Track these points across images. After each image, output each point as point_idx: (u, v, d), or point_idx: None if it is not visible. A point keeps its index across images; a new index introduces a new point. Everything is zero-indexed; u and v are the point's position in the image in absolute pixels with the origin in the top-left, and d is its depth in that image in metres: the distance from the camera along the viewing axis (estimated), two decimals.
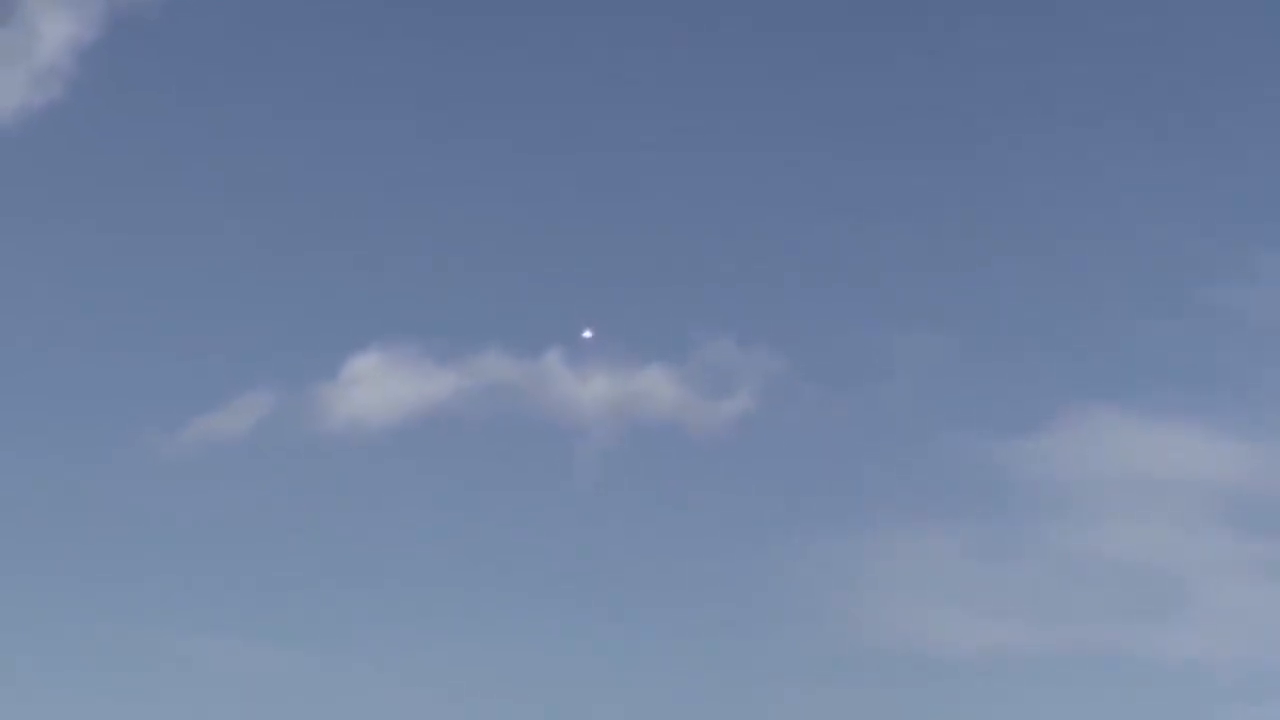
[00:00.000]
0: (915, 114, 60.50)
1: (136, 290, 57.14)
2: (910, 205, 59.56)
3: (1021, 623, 52.36)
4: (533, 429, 55.70)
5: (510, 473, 55.32)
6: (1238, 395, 55.55)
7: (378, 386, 55.82)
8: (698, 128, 60.51)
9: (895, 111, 60.66)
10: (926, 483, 54.81)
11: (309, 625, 52.03)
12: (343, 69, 59.79)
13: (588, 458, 55.29)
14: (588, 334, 56.34)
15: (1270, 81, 59.79)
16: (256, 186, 58.93)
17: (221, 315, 57.17)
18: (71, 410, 55.35)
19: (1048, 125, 60.43)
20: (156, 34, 57.63)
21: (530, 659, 51.53)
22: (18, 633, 50.55)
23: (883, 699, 50.49)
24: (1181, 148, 59.97)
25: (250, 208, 58.72)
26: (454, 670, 51.24)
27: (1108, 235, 58.94)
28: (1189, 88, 60.31)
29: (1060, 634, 52.00)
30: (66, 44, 55.87)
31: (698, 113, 60.63)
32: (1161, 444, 55.40)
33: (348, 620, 52.18)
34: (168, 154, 58.69)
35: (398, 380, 55.98)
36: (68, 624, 51.05)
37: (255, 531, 53.72)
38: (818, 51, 60.91)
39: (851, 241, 59.00)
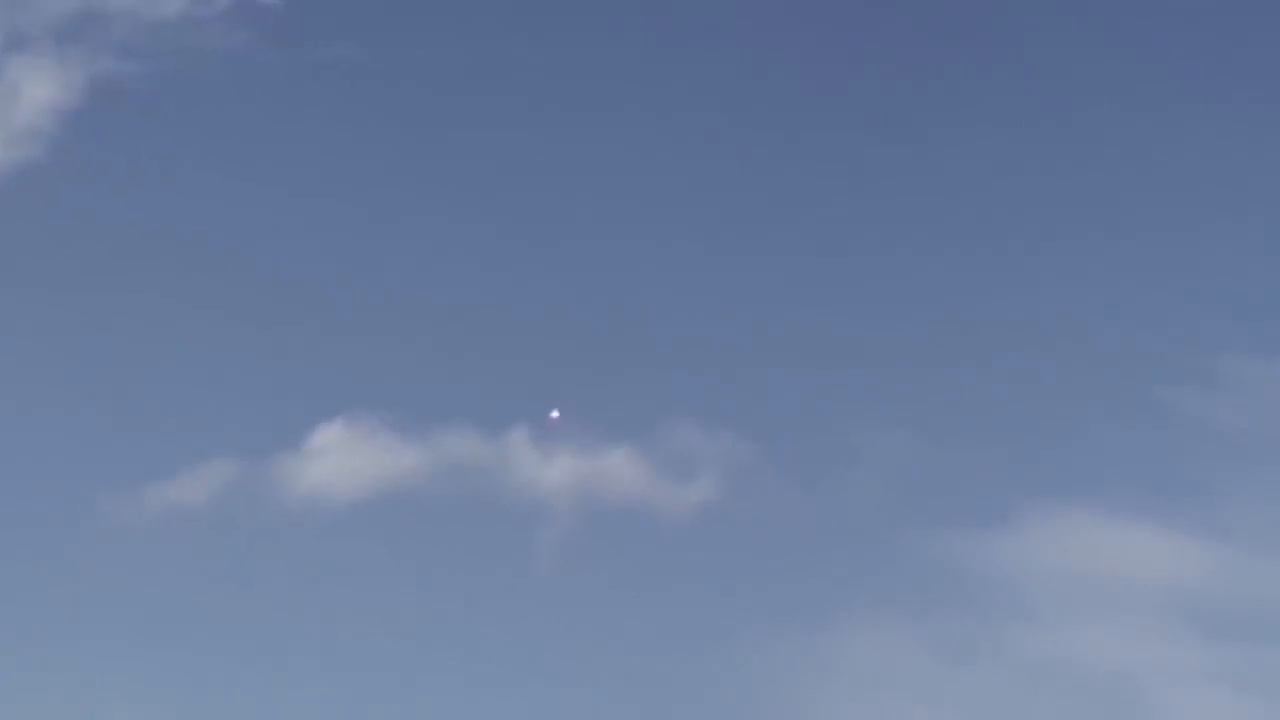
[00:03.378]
0: (885, 210, 61.24)
1: (100, 354, 56.94)
2: (880, 300, 60.08)
3: None
4: (496, 508, 55.48)
5: (472, 552, 55.02)
6: (1198, 497, 55.86)
7: (341, 459, 55.50)
8: (670, 214, 60.91)
9: (865, 207, 61.39)
10: (890, 577, 54.77)
11: (262, 702, 51.36)
12: (317, 145, 60.15)
13: (550, 539, 55.10)
14: (555, 414, 56.25)
15: (1232, 185, 60.89)
16: (228, 257, 58.98)
17: (185, 382, 56.85)
18: (25, 474, 54.84)
19: (1013, 225, 61.20)
20: (136, 103, 57.84)
21: None
22: None
23: None
24: (1147, 252, 60.73)
25: (221, 278, 58.64)
26: None
27: (1073, 336, 59.45)
28: (1151, 191, 61.33)
29: None
30: (48, 106, 56.00)
31: (671, 198, 61.05)
32: (1123, 544, 55.61)
33: (302, 697, 51.60)
34: (140, 221, 58.67)
35: (362, 453, 55.67)
36: (13, 694, 50.19)
37: (211, 603, 53.04)
38: (790, 142, 61.54)
39: (820, 333, 59.30)
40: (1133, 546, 55.41)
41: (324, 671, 52.31)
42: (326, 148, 59.92)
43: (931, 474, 56.89)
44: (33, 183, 56.05)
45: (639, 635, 53.70)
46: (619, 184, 60.72)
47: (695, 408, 56.82)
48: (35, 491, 54.34)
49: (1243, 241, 60.14)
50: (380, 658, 52.67)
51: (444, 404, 56.37)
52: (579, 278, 59.89)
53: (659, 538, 55.44)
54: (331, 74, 60.29)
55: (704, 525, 55.51)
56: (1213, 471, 56.03)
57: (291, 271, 59.01)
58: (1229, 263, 59.87)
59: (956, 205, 61.00)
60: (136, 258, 58.22)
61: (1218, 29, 62.37)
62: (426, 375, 57.28)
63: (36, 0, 55.12)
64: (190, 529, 53.57)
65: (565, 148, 60.54)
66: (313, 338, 57.62)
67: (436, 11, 61.98)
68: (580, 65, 61.80)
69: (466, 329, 58.67)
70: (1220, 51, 62.05)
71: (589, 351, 58.57)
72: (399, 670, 52.56)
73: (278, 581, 53.67)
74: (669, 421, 56.62)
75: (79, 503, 53.76)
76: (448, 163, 60.24)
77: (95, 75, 56.03)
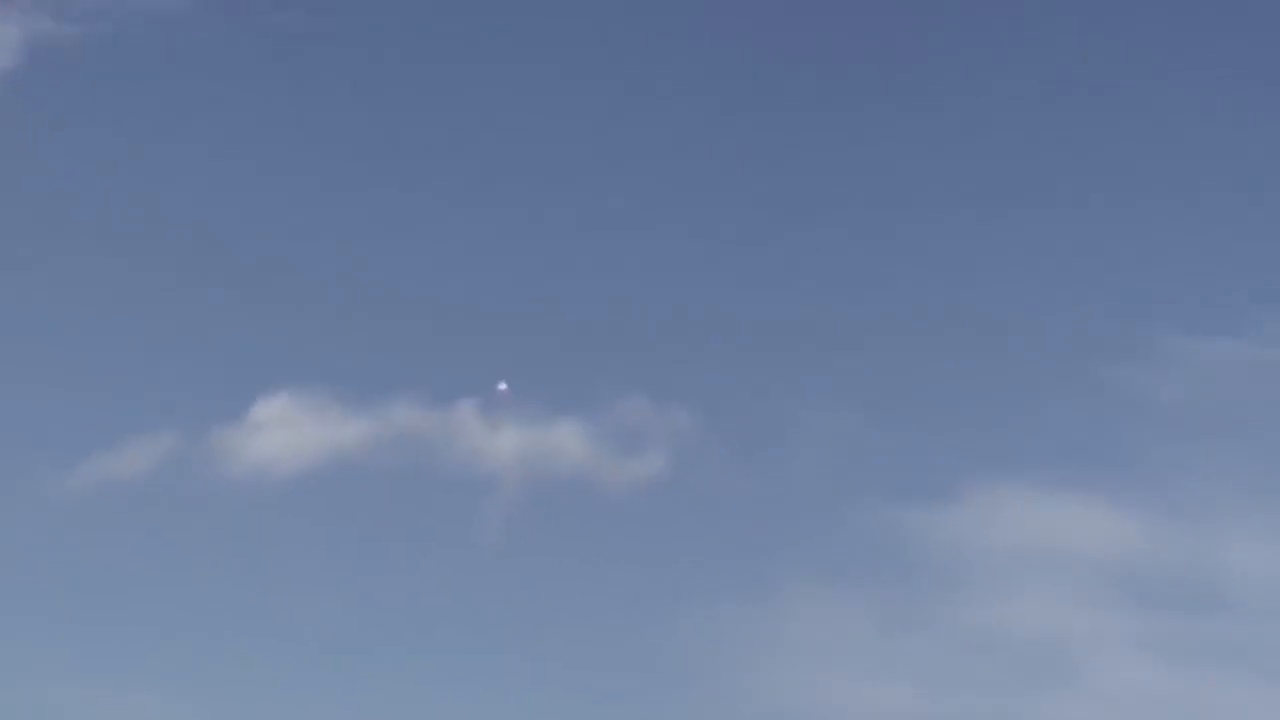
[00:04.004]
0: (828, 187, 61.59)
1: (37, 324, 56.06)
2: (825, 278, 60.50)
3: (921, 691, 52.84)
4: (441, 480, 55.37)
5: (416, 524, 54.93)
6: (1135, 471, 56.82)
7: (284, 432, 55.07)
8: (619, 187, 60.94)
9: (808, 184, 61.59)
10: (832, 550, 55.33)
11: (201, 674, 51.01)
12: (261, 113, 59.80)
13: (495, 511, 54.95)
14: (502, 386, 56.12)
15: (1173, 166, 61.89)
16: (168, 223, 58.42)
17: (124, 352, 56.44)
18: None
19: (956, 203, 61.76)
20: (73, 64, 56.81)
21: (426, 713, 50.99)
22: None
23: None
24: (1088, 230, 61.58)
25: (162, 244, 58.13)
26: None
27: (1015, 314, 60.24)
28: (1094, 172, 62.17)
29: (954, 704, 52.49)
30: None
31: (620, 173, 61.14)
32: (1061, 517, 56.54)
33: (243, 670, 51.37)
34: (78, 187, 57.95)
35: (305, 426, 55.31)
36: None
37: (148, 577, 52.74)
38: (735, 122, 61.71)
39: (767, 311, 59.67)
40: (1070, 519, 56.40)
41: (267, 643, 52.11)
42: (271, 115, 59.66)
43: (875, 449, 57.56)
44: None
45: (585, 607, 54.01)
46: (568, 159, 60.92)
47: (642, 382, 57.12)
48: None
49: (1183, 222, 61.38)
50: (325, 629, 52.57)
51: (390, 376, 56.34)
52: (527, 252, 60.03)
53: (605, 510, 55.73)
54: (275, 41, 59.76)
55: (650, 498, 55.86)
56: (1150, 446, 57.10)
57: (234, 241, 58.62)
58: (1169, 243, 61.10)
59: (901, 185, 61.74)
60: (73, 225, 57.65)
61: (1166, 14, 63.37)
62: (372, 347, 57.29)
63: None
64: (129, 502, 53.29)
65: (514, 118, 60.56)
66: (256, 309, 57.36)
67: None
68: (528, 29, 61.65)
69: (413, 301, 58.58)
70: (1167, 36, 63.14)
71: (536, 325, 58.78)
72: (344, 641, 52.50)
73: (220, 553, 53.47)
74: (615, 395, 56.89)
75: (15, 475, 53.41)
76: (395, 133, 60.10)
77: (32, 36, 55.09)
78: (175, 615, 52.06)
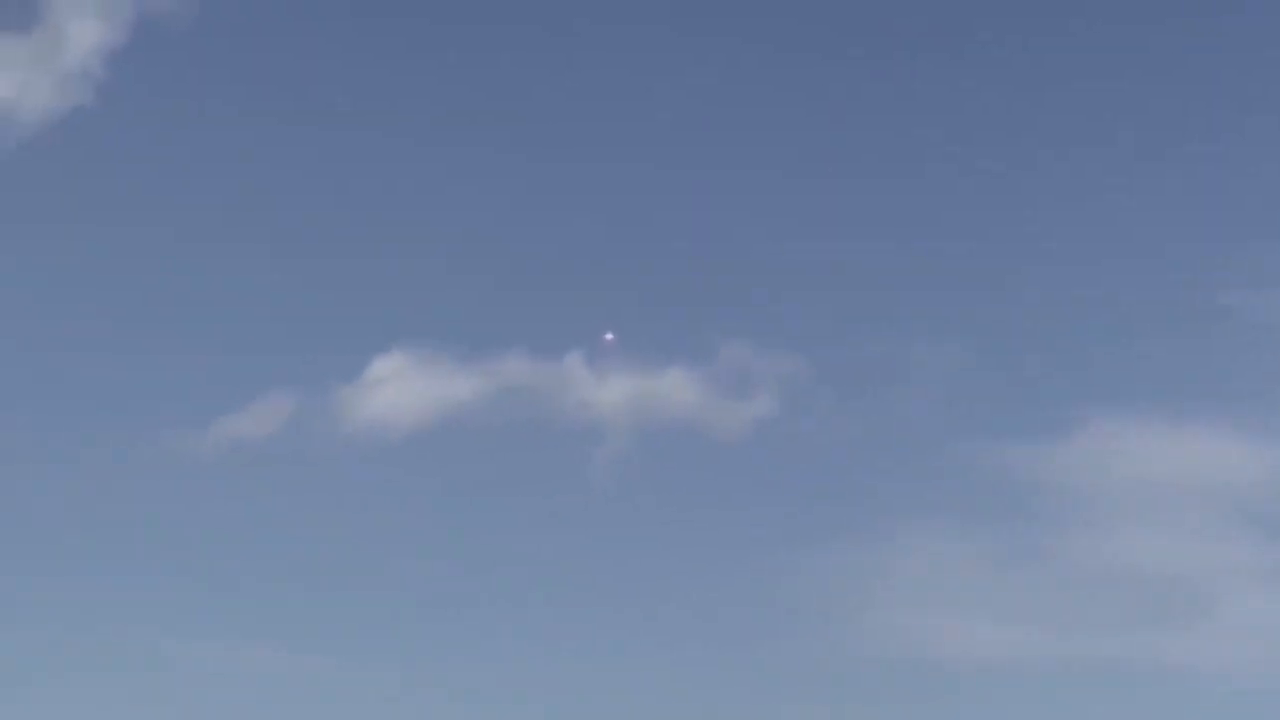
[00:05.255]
0: (933, 126, 60.84)
1: (161, 292, 57.63)
2: (931, 215, 59.86)
3: (1039, 631, 52.32)
4: (552, 431, 56.01)
5: (529, 475, 55.61)
6: (1256, 399, 55.46)
7: (399, 388, 56.15)
8: (721, 138, 60.92)
9: (914, 124, 60.98)
10: (944, 489, 54.93)
11: (327, 628, 52.49)
12: (370, 78, 60.25)
13: (607, 460, 55.56)
14: (609, 336, 56.61)
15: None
16: (282, 190, 59.55)
17: (245, 318, 57.68)
18: (95, 410, 55.91)
19: (1063, 136, 60.68)
20: (183, 40, 58.10)
21: (545, 662, 51.92)
22: (37, 634, 51.00)
23: (898, 707, 50.63)
24: (1197, 153, 60.00)
25: (276, 211, 59.33)
26: (470, 673, 51.68)
27: (1124, 242, 59.20)
28: (1202, 97, 60.29)
29: (1079, 642, 51.93)
30: (94, 49, 56.38)
31: (721, 123, 60.94)
32: (1180, 450, 55.30)
33: (365, 623, 52.70)
34: (193, 158, 59.25)
35: (419, 382, 56.28)
36: (89, 626, 51.60)
37: (275, 533, 54.15)
38: (835, 67, 61.09)
39: (872, 250, 59.30)
40: (1193, 450, 55.13)
41: (387, 596, 53.31)
42: (375, 79, 60.20)
43: (986, 386, 56.94)
44: (84, 125, 56.76)
45: (698, 552, 54.36)
46: (668, 110, 60.76)
47: (748, 326, 57.22)
48: (103, 429, 55.49)
49: None
50: (443, 580, 53.60)
51: (499, 331, 57.03)
52: (630, 203, 60.15)
53: (715, 456, 55.94)
54: (372, 10, 60.56)
55: (759, 442, 55.94)
56: (1270, 372, 55.57)
57: (342, 204, 59.61)
58: None
59: (1004, 117, 60.62)
60: (191, 195, 59.04)
61: None
62: (481, 303, 57.89)
63: None
64: (254, 460, 54.66)
65: (616, 74, 60.74)
66: (369, 271, 58.29)
67: None
68: None
69: (518, 256, 59.18)
70: None
71: (641, 274, 58.97)
72: (461, 591, 53.51)
73: (341, 509, 54.62)
74: (721, 340, 57.02)
75: (151, 438, 54.96)
76: (500, 93, 60.37)
77: (140, 15, 56.47)
78: (298, 570, 53.52)
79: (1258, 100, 59.62)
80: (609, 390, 56.13)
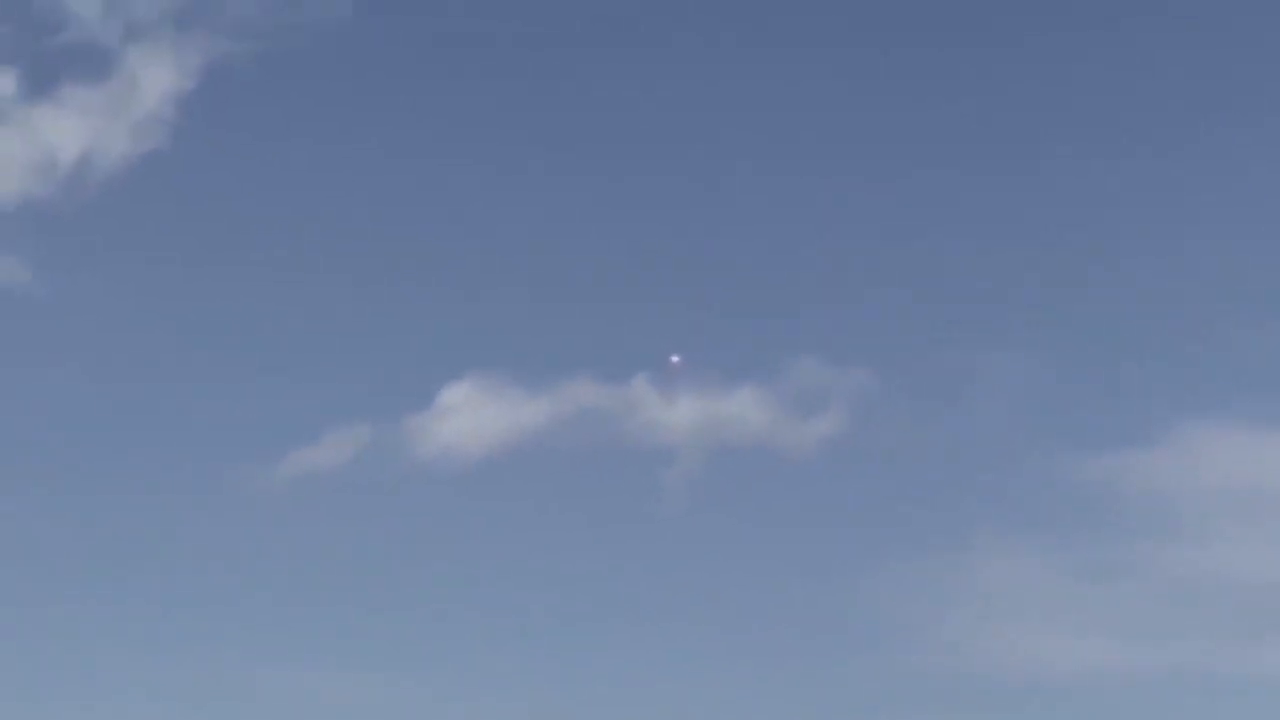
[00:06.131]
0: (1002, 135, 59.97)
1: (236, 327, 58.42)
2: (1000, 224, 59.16)
3: (1126, 643, 51.07)
4: (622, 454, 55.85)
5: (600, 499, 55.57)
6: None
7: (470, 416, 56.39)
8: (779, 152, 60.54)
9: (982, 133, 60.18)
10: (1022, 501, 53.96)
11: (404, 654, 52.53)
12: (437, 112, 60.92)
13: (677, 481, 55.23)
14: (675, 358, 56.41)
15: None
16: (351, 226, 60.21)
17: (317, 350, 58.20)
18: (172, 444, 56.67)
19: (1136, 143, 59.52)
20: (251, 81, 59.27)
21: (620, 684, 51.62)
22: (120, 664, 51.81)
23: None
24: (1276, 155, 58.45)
25: (345, 246, 59.99)
26: (551, 698, 51.39)
27: (1202, 245, 57.83)
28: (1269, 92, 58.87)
29: (1167, 654, 50.61)
30: (166, 94, 57.73)
31: (784, 139, 60.73)
32: (1267, 456, 53.74)
33: (441, 649, 52.72)
34: (265, 196, 60.22)
35: (489, 409, 56.48)
36: (167, 655, 52.07)
37: (351, 563, 54.37)
38: (901, 74, 60.70)
39: (939, 261, 58.65)
40: (1277, 458, 53.50)
41: (464, 621, 53.32)
42: (436, 111, 60.86)
43: (1063, 395, 55.95)
44: (159, 168, 57.95)
45: (772, 570, 53.81)
46: (728, 128, 60.72)
47: (814, 342, 56.70)
48: (178, 464, 56.26)
49: None
50: (517, 604, 53.57)
51: (566, 356, 57.07)
52: (689, 222, 60.10)
53: (786, 474, 55.43)
54: (436, 42, 61.23)
55: (830, 459, 55.36)
56: None
57: (408, 236, 60.16)
58: None
59: (1080, 123, 59.71)
60: (262, 233, 59.90)
61: None
62: (548, 329, 58.03)
63: None
64: (330, 490, 55.04)
65: (665, 95, 60.75)
66: (435, 300, 58.69)
67: None
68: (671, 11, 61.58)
69: (583, 281, 59.28)
70: None
71: (705, 294, 58.82)
72: (536, 615, 53.43)
73: (414, 536, 54.86)
74: (789, 358, 56.52)
75: (227, 470, 55.57)
76: (557, 119, 60.69)
77: (209, 59, 57.70)
78: (374, 598, 53.63)
79: None
80: (677, 412, 55.98)
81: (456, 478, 55.68)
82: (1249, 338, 55.68)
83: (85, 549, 53.96)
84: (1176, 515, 53.55)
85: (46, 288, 57.30)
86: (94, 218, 57.91)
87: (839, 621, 52.08)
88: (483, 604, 53.60)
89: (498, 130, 60.70)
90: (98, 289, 58.44)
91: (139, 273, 58.62)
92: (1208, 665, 50.21)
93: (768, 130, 60.44)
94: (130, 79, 57.57)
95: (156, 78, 57.37)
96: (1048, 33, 60.35)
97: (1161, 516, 53.43)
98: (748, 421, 55.60)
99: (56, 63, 57.38)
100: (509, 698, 51.18)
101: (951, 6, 61.34)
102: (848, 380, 55.95)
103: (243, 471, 55.42)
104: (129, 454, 56.53)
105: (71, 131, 56.91)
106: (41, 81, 57.22)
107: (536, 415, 56.13)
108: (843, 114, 60.30)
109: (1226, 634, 50.85)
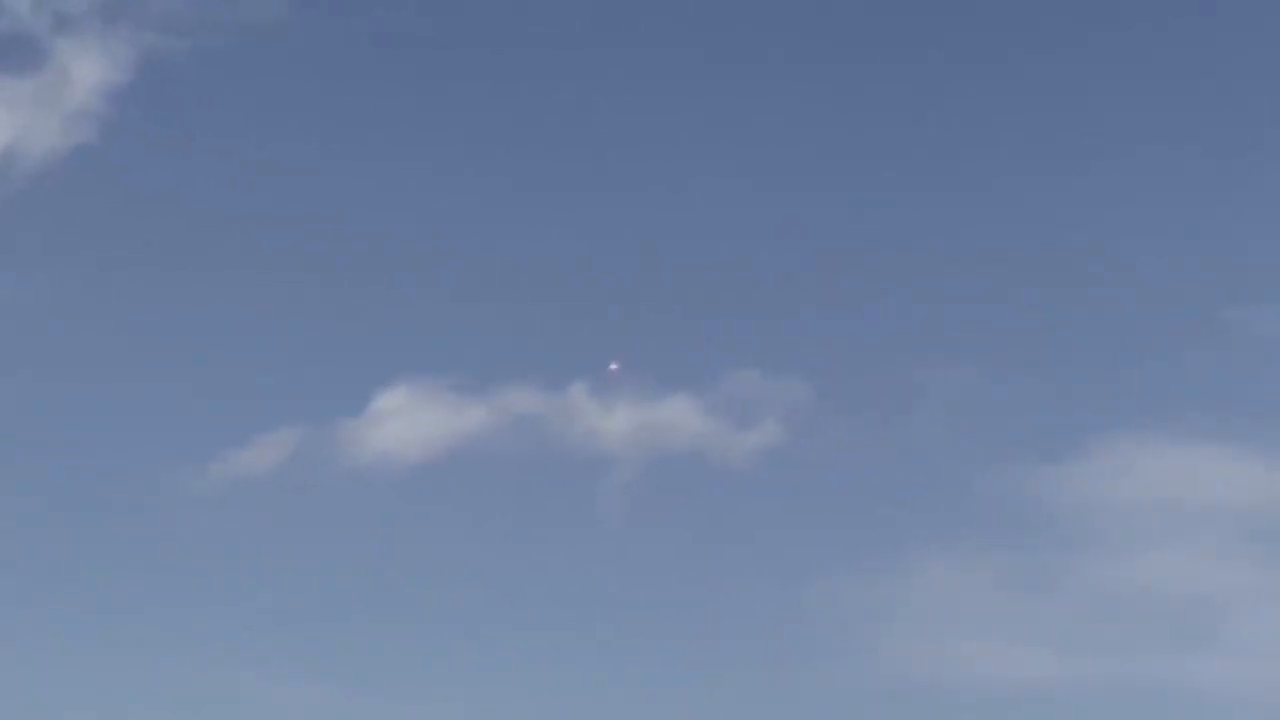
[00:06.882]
0: (936, 147, 60.56)
1: (164, 328, 57.38)
2: (932, 236, 59.53)
3: (1055, 654, 51.92)
4: (559, 461, 55.66)
5: (536, 506, 55.31)
6: (1266, 416, 55.04)
7: (404, 421, 55.90)
8: (721, 162, 60.58)
9: (916, 145, 60.76)
10: (956, 513, 54.53)
11: (334, 660, 52.09)
12: (367, 108, 60.21)
13: (614, 489, 55.28)
14: (613, 366, 56.37)
15: None
16: (282, 224, 59.39)
17: (248, 351, 57.36)
18: (99, 445, 55.72)
19: (1069, 153, 60.31)
20: (185, 76, 58.36)
21: (554, 693, 51.44)
22: (40, 667, 50.99)
23: None
24: (1205, 168, 59.62)
25: (276, 245, 59.10)
26: (480, 704, 51.18)
27: (1130, 260, 58.72)
28: (1209, 109, 60.12)
29: (1094, 665, 51.53)
30: (97, 87, 56.61)
31: (721, 147, 60.75)
32: (1193, 469, 54.93)
33: (373, 655, 52.34)
34: (195, 193, 59.12)
35: (424, 415, 56.03)
36: (92, 657, 51.41)
37: (282, 566, 53.89)
38: (838, 86, 60.97)
39: (875, 273, 59.00)
40: (1202, 471, 54.74)
41: (395, 629, 52.97)
42: (372, 111, 60.22)
43: (995, 409, 56.58)
44: (88, 163, 56.89)
45: (708, 581, 53.88)
46: (671, 132, 60.65)
47: (753, 353, 56.88)
48: (110, 466, 55.34)
49: None
50: (451, 612, 53.28)
51: (503, 362, 56.82)
52: (629, 228, 60.00)
53: (723, 484, 55.58)
54: (379, 41, 60.60)
55: (769, 470, 55.61)
56: None
57: (343, 237, 59.41)
58: None
59: (1010, 136, 60.49)
60: (192, 231, 58.85)
61: None
62: (484, 334, 57.67)
63: None
64: (260, 495, 54.34)
65: (614, 97, 60.59)
66: (369, 303, 58.00)
67: None
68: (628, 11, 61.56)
69: (522, 287, 58.95)
70: None
71: (644, 302, 58.70)
72: (470, 623, 53.15)
73: (347, 543, 54.28)
74: (727, 367, 56.72)
75: (155, 473, 54.75)
76: (497, 120, 60.35)
77: (142, 53, 56.66)
78: (306, 604, 53.18)
79: (1259, 112, 59.74)
80: (615, 420, 55.97)
81: (391, 484, 55.37)
82: (1176, 353, 56.96)
83: (4, 552, 52.90)
84: (1105, 528, 54.60)
85: None
86: (20, 212, 56.87)
87: (776, 633, 52.56)
88: (417, 611, 53.32)
89: (434, 131, 60.34)
90: (20, 283, 57.12)
91: (65, 269, 57.54)
92: (1128, 674, 51.24)
93: (709, 141, 60.74)
94: (61, 71, 56.60)
95: (87, 71, 56.39)
96: (980, 49, 61.21)
97: (1091, 529, 54.48)
98: (685, 430, 55.85)
99: None
100: (439, 703, 51.07)
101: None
102: (786, 392, 56.40)
103: (172, 474, 54.83)
104: (51, 455, 55.51)
105: None
106: None
107: (472, 421, 55.94)
108: (784, 126, 60.76)
109: (1146, 645, 51.97)
